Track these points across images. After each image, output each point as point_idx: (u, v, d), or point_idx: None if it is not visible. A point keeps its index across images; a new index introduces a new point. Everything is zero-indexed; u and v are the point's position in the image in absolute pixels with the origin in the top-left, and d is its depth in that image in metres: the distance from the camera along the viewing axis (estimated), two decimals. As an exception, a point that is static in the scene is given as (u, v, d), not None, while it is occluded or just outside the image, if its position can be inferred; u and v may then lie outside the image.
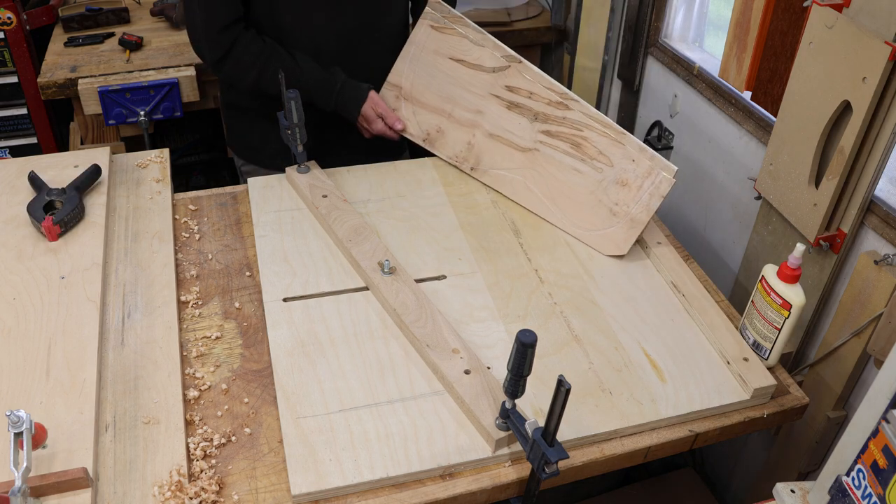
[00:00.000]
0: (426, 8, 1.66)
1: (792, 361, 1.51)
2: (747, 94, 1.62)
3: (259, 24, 1.62)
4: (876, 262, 1.26)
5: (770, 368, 1.27)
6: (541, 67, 2.64)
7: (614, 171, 1.45)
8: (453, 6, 1.85)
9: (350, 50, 1.67)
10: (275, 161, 1.75)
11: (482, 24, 1.97)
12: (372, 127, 1.68)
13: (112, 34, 2.34)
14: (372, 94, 1.66)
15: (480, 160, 1.62)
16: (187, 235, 1.52)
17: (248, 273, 1.43)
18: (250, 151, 1.86)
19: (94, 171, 1.55)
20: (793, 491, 1.06)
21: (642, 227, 1.43)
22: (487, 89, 1.60)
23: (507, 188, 1.60)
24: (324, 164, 1.65)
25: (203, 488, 1.04)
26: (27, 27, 2.35)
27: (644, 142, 1.99)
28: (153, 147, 2.06)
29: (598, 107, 2.27)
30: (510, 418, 1.07)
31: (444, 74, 1.65)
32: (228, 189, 1.66)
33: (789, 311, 1.21)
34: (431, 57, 1.65)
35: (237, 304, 1.36)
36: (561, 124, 1.51)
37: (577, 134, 1.49)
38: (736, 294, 1.68)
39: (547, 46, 2.56)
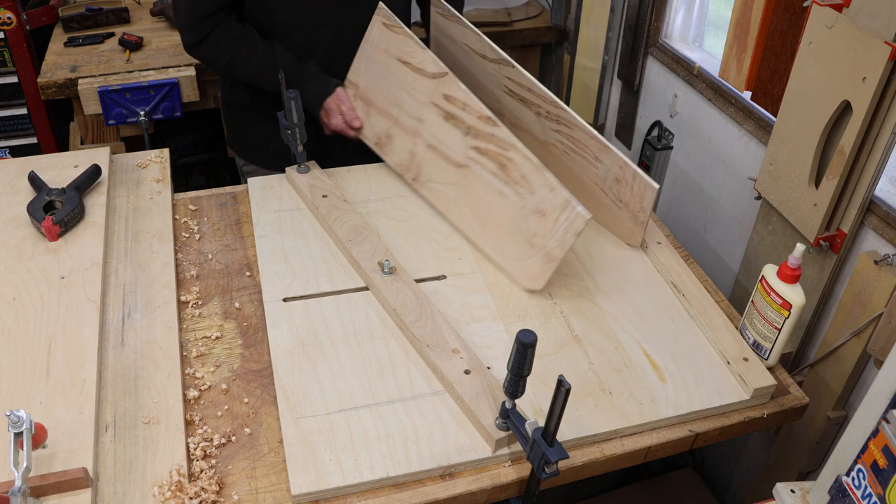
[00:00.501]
0: (379, 4, 1.59)
1: (792, 361, 1.51)
2: (747, 94, 1.62)
3: (254, 21, 1.63)
4: (876, 262, 1.26)
5: (770, 368, 1.27)
6: (541, 67, 2.64)
7: (534, 199, 1.38)
8: (460, 7, 1.84)
9: (349, 51, 1.67)
10: (275, 161, 1.75)
11: (482, 25, 1.97)
12: (331, 121, 1.67)
13: (112, 34, 2.34)
14: (339, 90, 1.65)
15: (421, 171, 1.56)
16: (187, 235, 1.52)
17: (248, 273, 1.43)
18: (251, 152, 1.86)
19: (94, 171, 1.55)
20: (793, 491, 1.06)
21: (557, 264, 1.34)
22: (428, 96, 1.55)
23: (442, 204, 1.53)
24: (324, 164, 1.65)
25: (203, 488, 1.04)
26: (27, 27, 2.35)
27: (644, 142, 2.00)
28: (153, 147, 2.06)
29: (597, 107, 2.27)
30: (510, 418, 1.07)
31: (392, 76, 1.60)
32: (228, 189, 1.66)
33: (789, 311, 1.21)
34: (383, 56, 1.61)
35: (237, 304, 1.36)
36: (489, 141, 1.44)
37: (502, 154, 1.43)
38: (736, 294, 1.68)
39: (547, 46, 2.56)
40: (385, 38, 1.59)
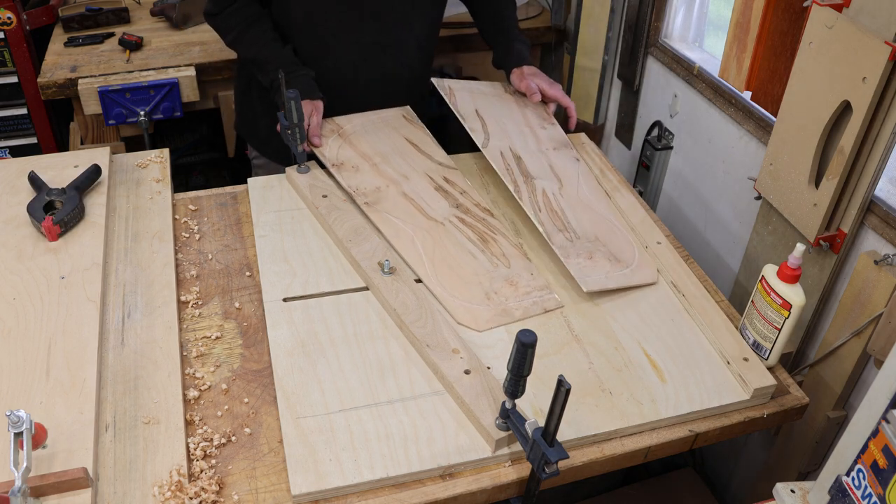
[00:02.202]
0: (407, 107, 1.75)
1: (792, 361, 1.51)
2: (747, 94, 1.62)
3: (274, 18, 1.66)
4: (876, 262, 1.26)
5: (770, 368, 1.27)
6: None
7: (509, 272, 1.40)
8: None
9: (361, 69, 1.69)
10: (280, 156, 1.76)
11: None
12: None
13: (112, 34, 2.34)
14: (321, 103, 1.65)
15: (379, 202, 1.53)
16: (187, 235, 1.52)
17: (248, 273, 1.43)
18: (261, 143, 1.87)
19: (94, 171, 1.55)
20: (793, 491, 1.06)
21: (510, 321, 1.32)
22: (425, 170, 1.61)
23: (391, 231, 1.47)
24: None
25: (203, 488, 1.04)
26: (27, 27, 2.35)
27: (644, 142, 2.00)
28: (153, 147, 2.06)
29: (597, 107, 2.27)
30: (510, 418, 1.07)
31: (391, 141, 1.67)
32: (228, 189, 1.66)
33: (789, 311, 1.21)
34: (389, 129, 1.70)
35: (237, 304, 1.36)
36: (479, 221, 1.50)
37: (487, 233, 1.47)
38: (736, 294, 1.68)
39: (547, 46, 2.56)
40: (399, 121, 1.71)
